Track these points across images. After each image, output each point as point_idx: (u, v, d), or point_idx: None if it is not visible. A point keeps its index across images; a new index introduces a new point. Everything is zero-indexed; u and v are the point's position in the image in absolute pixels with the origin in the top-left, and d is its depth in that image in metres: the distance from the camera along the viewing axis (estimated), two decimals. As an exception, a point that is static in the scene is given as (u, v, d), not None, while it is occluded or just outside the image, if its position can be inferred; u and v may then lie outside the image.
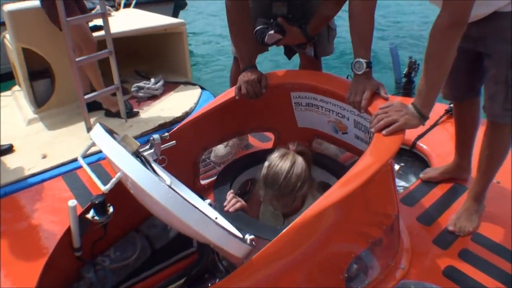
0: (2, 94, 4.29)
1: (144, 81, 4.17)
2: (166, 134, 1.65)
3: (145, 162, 1.35)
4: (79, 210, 1.56)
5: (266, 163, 1.66)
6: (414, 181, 2.41)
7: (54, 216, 2.26)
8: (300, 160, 1.65)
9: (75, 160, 2.97)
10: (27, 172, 2.89)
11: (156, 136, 1.59)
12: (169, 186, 1.09)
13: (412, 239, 1.87)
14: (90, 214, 1.51)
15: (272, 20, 2.22)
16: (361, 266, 1.56)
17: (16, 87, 4.33)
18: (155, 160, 1.58)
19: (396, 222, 1.71)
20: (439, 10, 1.54)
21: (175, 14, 7.80)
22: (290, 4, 2.26)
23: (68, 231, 1.58)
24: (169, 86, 4.28)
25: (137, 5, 5.85)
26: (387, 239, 1.67)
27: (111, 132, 1.33)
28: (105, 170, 2.55)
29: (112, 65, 3.36)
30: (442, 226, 1.98)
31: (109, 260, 1.76)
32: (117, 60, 3.43)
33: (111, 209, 1.52)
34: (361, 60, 1.73)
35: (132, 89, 4.07)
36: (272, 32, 2.20)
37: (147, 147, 1.59)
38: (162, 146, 1.62)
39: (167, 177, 1.12)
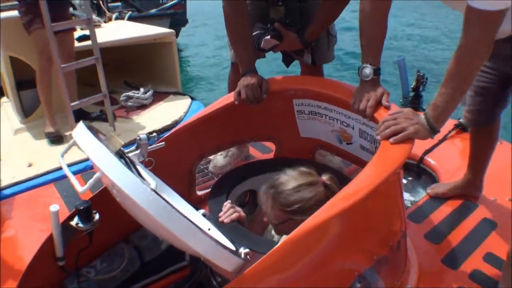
0: None
1: (133, 91, 4.21)
2: (154, 134, 1.56)
3: (129, 163, 1.27)
4: (65, 216, 1.48)
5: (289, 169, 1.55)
6: (422, 195, 2.33)
7: (43, 223, 2.18)
8: (320, 190, 1.49)
9: (61, 168, 2.94)
10: (12, 180, 2.86)
11: (143, 136, 1.50)
12: (153, 190, 1.00)
13: (419, 258, 1.79)
14: (74, 221, 1.44)
15: (269, 25, 2.17)
16: (364, 285, 1.46)
17: (4, 98, 4.35)
18: (141, 162, 1.49)
19: (403, 239, 1.62)
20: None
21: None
22: (287, 8, 2.21)
23: (50, 238, 1.50)
24: (159, 96, 4.33)
25: (130, 20, 5.92)
26: (393, 257, 1.57)
27: (95, 132, 1.25)
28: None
29: (99, 73, 3.36)
30: (451, 244, 1.89)
31: (95, 271, 1.68)
32: (106, 71, 3.43)
33: (97, 216, 1.45)
34: (369, 66, 1.65)
35: (121, 98, 4.10)
36: (268, 37, 2.14)
37: (133, 148, 1.50)
38: (149, 147, 1.54)
39: (152, 181, 1.04)
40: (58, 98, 3.44)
